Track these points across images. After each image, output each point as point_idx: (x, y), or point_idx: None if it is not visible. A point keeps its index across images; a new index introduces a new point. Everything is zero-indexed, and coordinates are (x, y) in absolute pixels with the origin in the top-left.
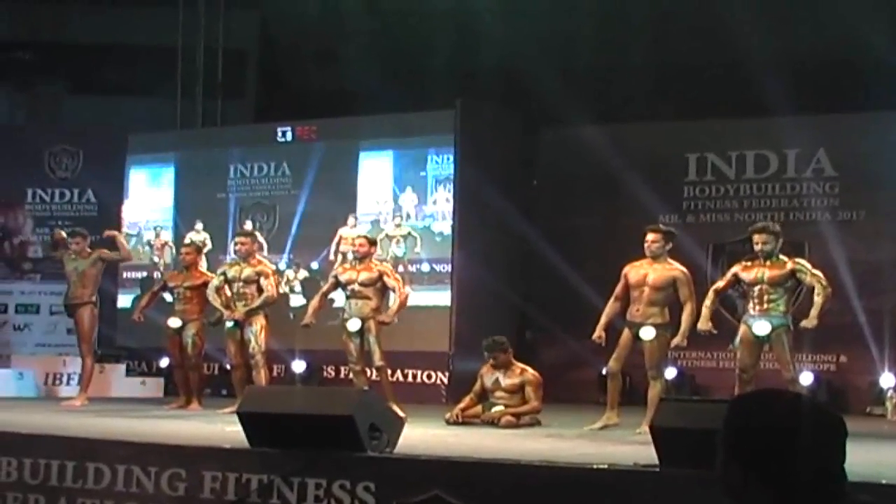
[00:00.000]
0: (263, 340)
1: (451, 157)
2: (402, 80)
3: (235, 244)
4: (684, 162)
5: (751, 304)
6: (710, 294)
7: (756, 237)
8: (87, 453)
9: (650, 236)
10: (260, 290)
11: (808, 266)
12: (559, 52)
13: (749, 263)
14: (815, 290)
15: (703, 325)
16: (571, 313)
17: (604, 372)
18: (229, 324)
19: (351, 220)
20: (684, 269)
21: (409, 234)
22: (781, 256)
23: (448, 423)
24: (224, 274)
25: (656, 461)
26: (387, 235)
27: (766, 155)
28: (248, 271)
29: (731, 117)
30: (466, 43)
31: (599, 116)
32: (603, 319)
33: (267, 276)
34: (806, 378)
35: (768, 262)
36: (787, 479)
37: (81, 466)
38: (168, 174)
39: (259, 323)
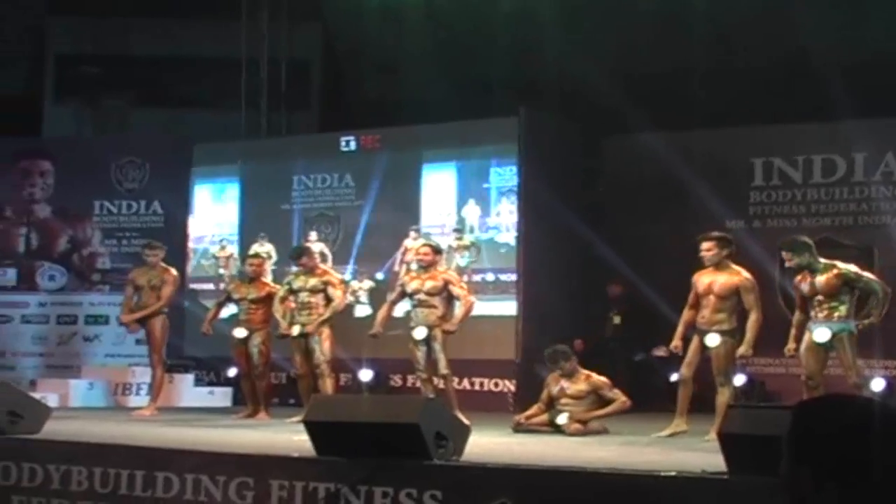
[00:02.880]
0: (328, 349)
1: (514, 169)
2: (464, 88)
3: (295, 264)
4: (750, 167)
5: (813, 311)
6: (795, 316)
7: (784, 255)
8: (156, 462)
9: (704, 245)
10: (327, 300)
11: (854, 271)
12: (620, 59)
13: (800, 277)
14: (871, 295)
15: (791, 346)
16: (638, 321)
17: (673, 379)
18: (295, 333)
19: (413, 233)
20: (749, 276)
21: (472, 244)
22: (836, 263)
23: (514, 430)
24: (289, 284)
25: (725, 468)
26: (449, 247)
27: (833, 159)
28: (313, 281)
29: (797, 121)
30: (527, 51)
31: (662, 123)
32: (680, 328)
33: (335, 286)
34: (877, 384)
35: (817, 274)
36: (854, 483)
37: (151, 476)
38: (232, 189)
39: (324, 332)
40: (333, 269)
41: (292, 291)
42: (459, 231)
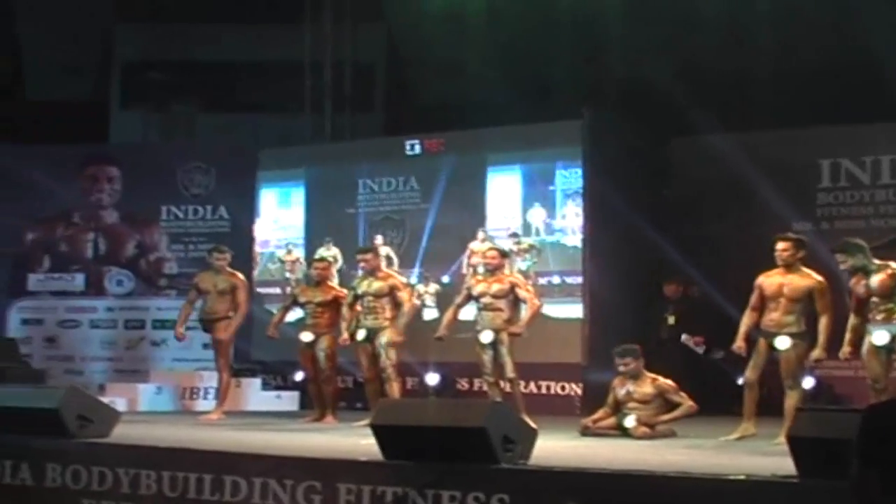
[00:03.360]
0: (393, 353)
1: (580, 172)
2: (528, 91)
3: (359, 262)
4: (817, 168)
5: (870, 314)
6: (850, 320)
7: (838, 258)
8: (224, 467)
9: (780, 245)
10: (393, 303)
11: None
12: (685, 59)
13: (855, 279)
14: None
15: (845, 349)
16: (694, 321)
17: (740, 382)
18: (361, 336)
19: (480, 235)
20: (820, 279)
21: (532, 247)
22: (890, 263)
23: (582, 434)
24: (354, 289)
25: (794, 472)
26: (510, 250)
27: None
28: (377, 285)
29: (864, 121)
30: (591, 53)
31: (729, 124)
32: (742, 329)
33: (400, 289)
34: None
35: (871, 276)
36: None
37: (219, 479)
38: (298, 194)
39: (389, 335)
40: (399, 273)
41: (357, 297)
42: (517, 235)
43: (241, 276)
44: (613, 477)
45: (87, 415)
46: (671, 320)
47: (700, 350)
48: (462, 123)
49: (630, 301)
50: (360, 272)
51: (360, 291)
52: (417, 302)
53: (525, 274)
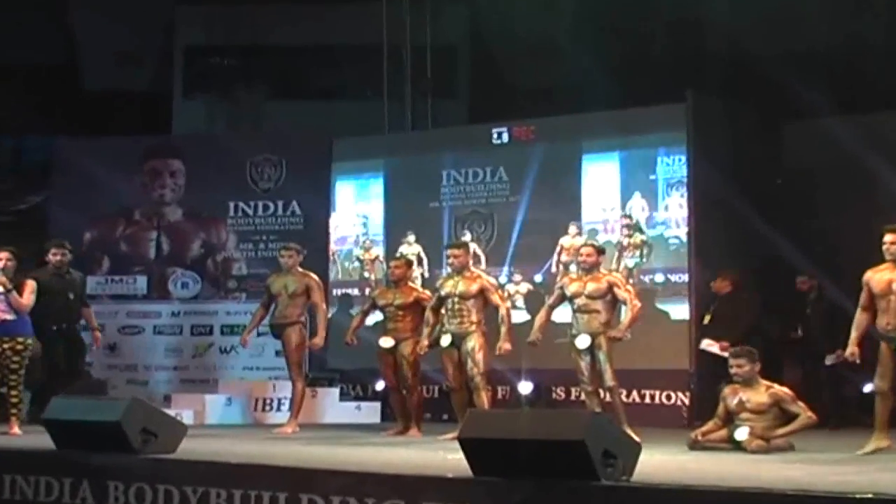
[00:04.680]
0: (482, 360)
1: (683, 159)
2: (626, 72)
3: (448, 257)
4: None
5: None
6: None
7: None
8: (300, 483)
9: (888, 237)
10: (481, 306)
11: None
12: (795, 35)
13: None
14: None
15: None
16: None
17: (867, 390)
18: (445, 342)
19: (573, 229)
20: None
21: (644, 242)
22: None
23: (690, 447)
24: (438, 290)
25: None
26: (619, 244)
27: None
28: (464, 286)
29: None
30: (693, 30)
31: (847, 105)
32: (854, 333)
33: (491, 291)
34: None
35: None
36: None
37: (294, 497)
38: (376, 186)
39: (476, 341)
40: (486, 273)
41: (442, 299)
42: (631, 227)
43: (314, 275)
44: (724, 495)
45: (152, 428)
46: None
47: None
48: (554, 108)
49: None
50: (444, 271)
51: (444, 293)
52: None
53: (630, 272)
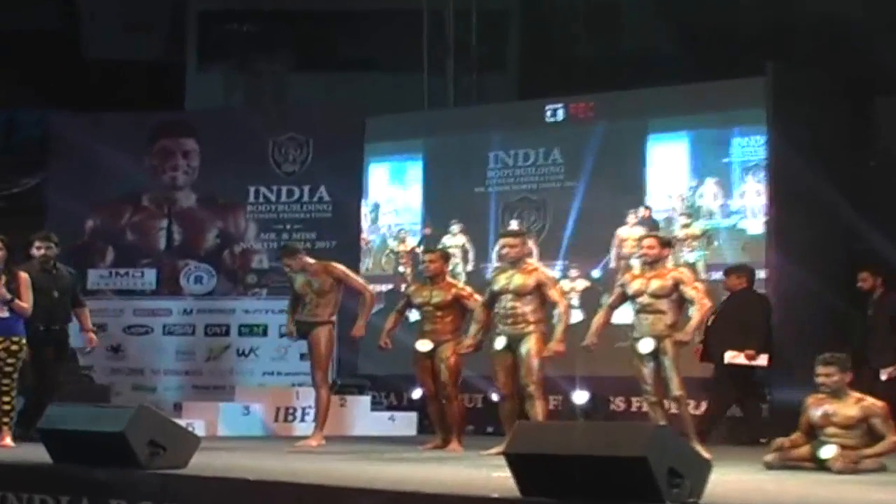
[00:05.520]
0: (538, 365)
1: (762, 139)
2: (697, 42)
3: (501, 247)
4: None
5: None
6: None
7: None
8: (326, 503)
9: None
10: (539, 304)
11: None
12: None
13: None
14: None
15: None
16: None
17: None
18: (500, 345)
19: (630, 218)
20: None
21: (704, 233)
22: None
23: (768, 466)
24: (490, 285)
25: None
26: (675, 238)
27: None
28: (519, 280)
29: None
30: None
31: None
32: None
33: (550, 285)
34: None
35: None
36: None
37: None
38: (415, 169)
39: (534, 344)
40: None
41: (494, 294)
42: (689, 216)
43: (336, 264)
44: None
45: (160, 440)
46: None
47: (761, 362)
48: (615, 83)
49: (827, 300)
50: (488, 266)
51: (497, 288)
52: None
53: (693, 267)
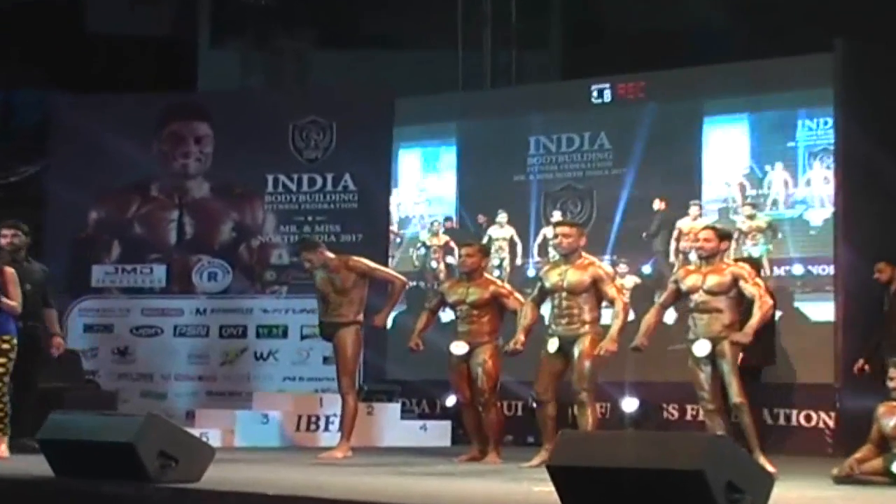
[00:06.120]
0: (591, 369)
1: (831, 121)
2: (759, 15)
3: (555, 237)
4: None
5: None
6: None
7: None
8: None
9: None
10: (595, 302)
11: None
12: None
13: None
14: None
15: None
16: None
17: None
18: (553, 347)
19: (693, 210)
20: None
21: (770, 225)
22: None
23: (837, 480)
24: (541, 281)
25: None
26: (738, 230)
27: None
28: (574, 276)
29: None
30: None
31: None
32: None
33: (606, 281)
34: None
35: None
36: None
37: None
38: (448, 155)
39: (588, 345)
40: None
41: (545, 291)
42: (754, 207)
43: (358, 258)
44: None
45: (172, 452)
46: None
47: None
48: (668, 60)
49: None
50: (530, 261)
51: (549, 284)
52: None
53: (757, 262)
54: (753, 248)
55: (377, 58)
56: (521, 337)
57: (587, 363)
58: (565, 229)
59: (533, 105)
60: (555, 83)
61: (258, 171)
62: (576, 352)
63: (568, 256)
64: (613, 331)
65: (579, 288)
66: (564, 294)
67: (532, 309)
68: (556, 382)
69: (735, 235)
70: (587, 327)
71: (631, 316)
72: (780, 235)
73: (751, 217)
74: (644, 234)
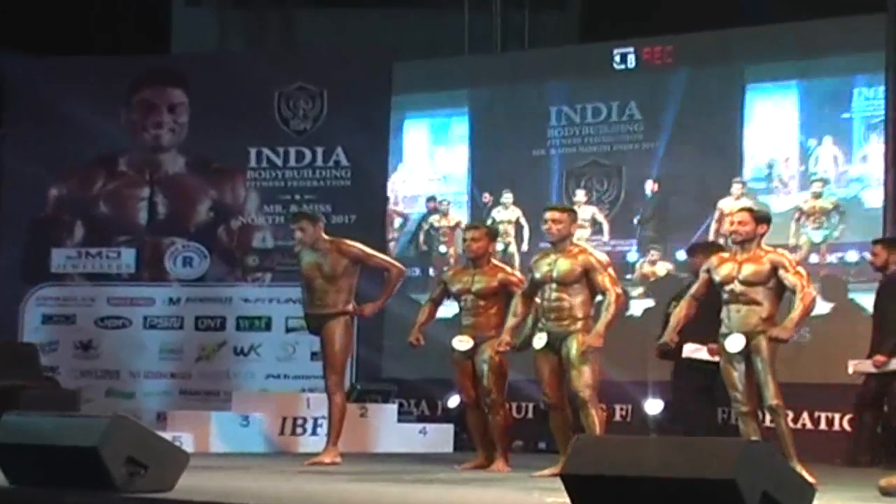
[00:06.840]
0: (589, 369)
1: (884, 89)
2: None
3: (544, 222)
4: None
5: None
6: None
7: None
8: None
9: None
10: (590, 292)
11: None
12: None
13: None
14: None
15: None
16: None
17: None
18: (539, 344)
19: (736, 188)
20: None
21: (835, 207)
22: None
23: (883, 492)
24: (531, 273)
25: None
26: (799, 211)
27: None
28: (564, 265)
29: None
30: None
31: None
32: None
33: (599, 271)
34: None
35: None
36: None
37: None
38: (459, 127)
39: (580, 341)
40: (599, 245)
41: (536, 283)
42: (823, 182)
43: (352, 242)
44: None
45: (141, 458)
46: None
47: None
48: (702, 21)
49: None
50: (541, 245)
51: (539, 276)
52: (639, 289)
53: (817, 248)
54: (815, 233)
55: (372, 16)
56: (506, 337)
57: (581, 364)
58: (555, 214)
59: (551, 71)
60: (572, 47)
61: (239, 143)
62: (567, 351)
63: (557, 244)
64: (600, 324)
65: (570, 278)
66: (554, 286)
67: (523, 304)
68: (560, 383)
69: (796, 216)
70: (579, 324)
71: (639, 310)
72: (835, 219)
73: (816, 196)
74: (635, 220)
